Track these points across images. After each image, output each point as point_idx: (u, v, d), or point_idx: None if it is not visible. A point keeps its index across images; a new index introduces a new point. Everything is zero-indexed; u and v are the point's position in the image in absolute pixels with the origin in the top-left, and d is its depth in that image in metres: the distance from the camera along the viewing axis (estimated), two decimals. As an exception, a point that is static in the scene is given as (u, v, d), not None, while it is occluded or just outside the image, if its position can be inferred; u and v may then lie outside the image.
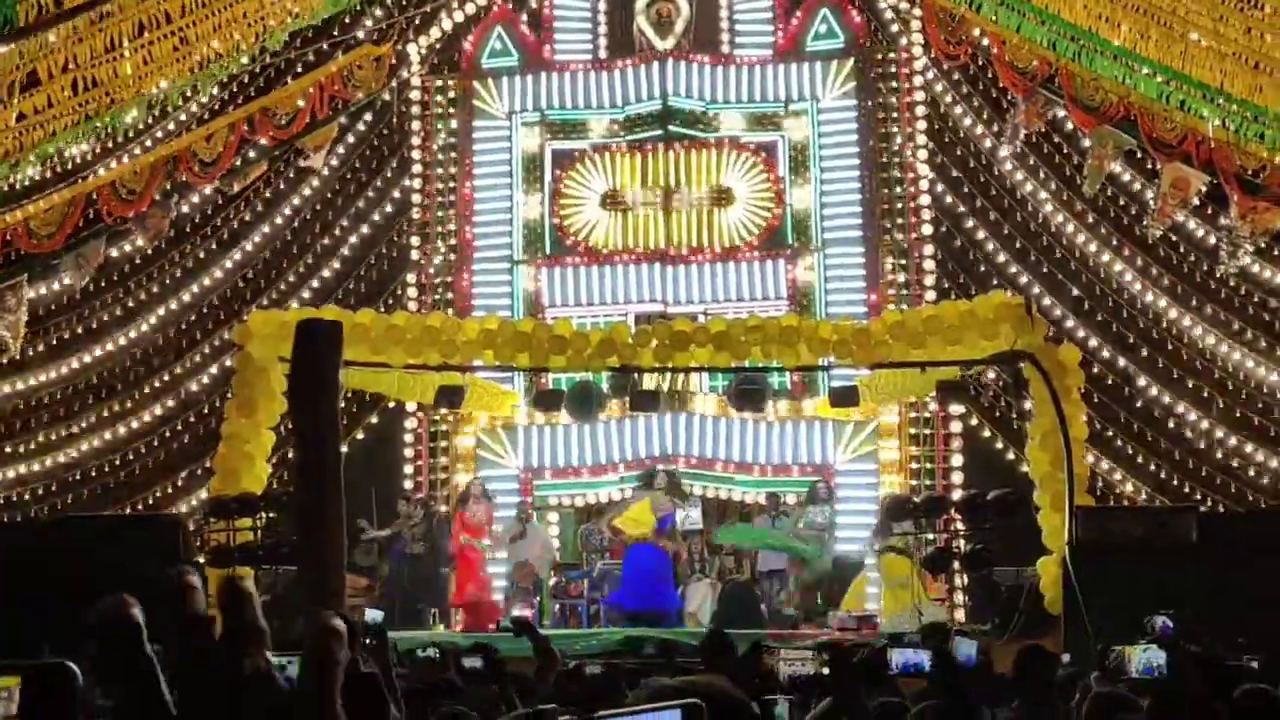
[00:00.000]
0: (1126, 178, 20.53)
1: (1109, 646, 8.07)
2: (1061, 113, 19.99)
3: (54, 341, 21.51)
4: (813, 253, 20.45)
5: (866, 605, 17.11)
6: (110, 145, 20.33)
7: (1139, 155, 19.83)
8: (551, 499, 19.59)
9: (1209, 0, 16.75)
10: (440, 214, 21.39)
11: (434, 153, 21.59)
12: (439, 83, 21.73)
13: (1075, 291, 20.56)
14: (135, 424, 21.22)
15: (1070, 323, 20.18)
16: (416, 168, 21.61)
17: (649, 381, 17.22)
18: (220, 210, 21.79)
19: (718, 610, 16.54)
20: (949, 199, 21.12)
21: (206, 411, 20.79)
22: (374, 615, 10.95)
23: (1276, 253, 20.10)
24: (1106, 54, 17.98)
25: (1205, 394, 20.02)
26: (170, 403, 21.24)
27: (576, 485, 19.49)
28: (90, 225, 20.36)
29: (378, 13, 21.70)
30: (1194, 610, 11.11)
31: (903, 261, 20.53)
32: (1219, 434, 19.79)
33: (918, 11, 21.16)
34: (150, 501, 20.71)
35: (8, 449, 21.35)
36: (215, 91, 20.60)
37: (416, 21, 22.02)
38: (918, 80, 21.12)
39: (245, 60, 19.62)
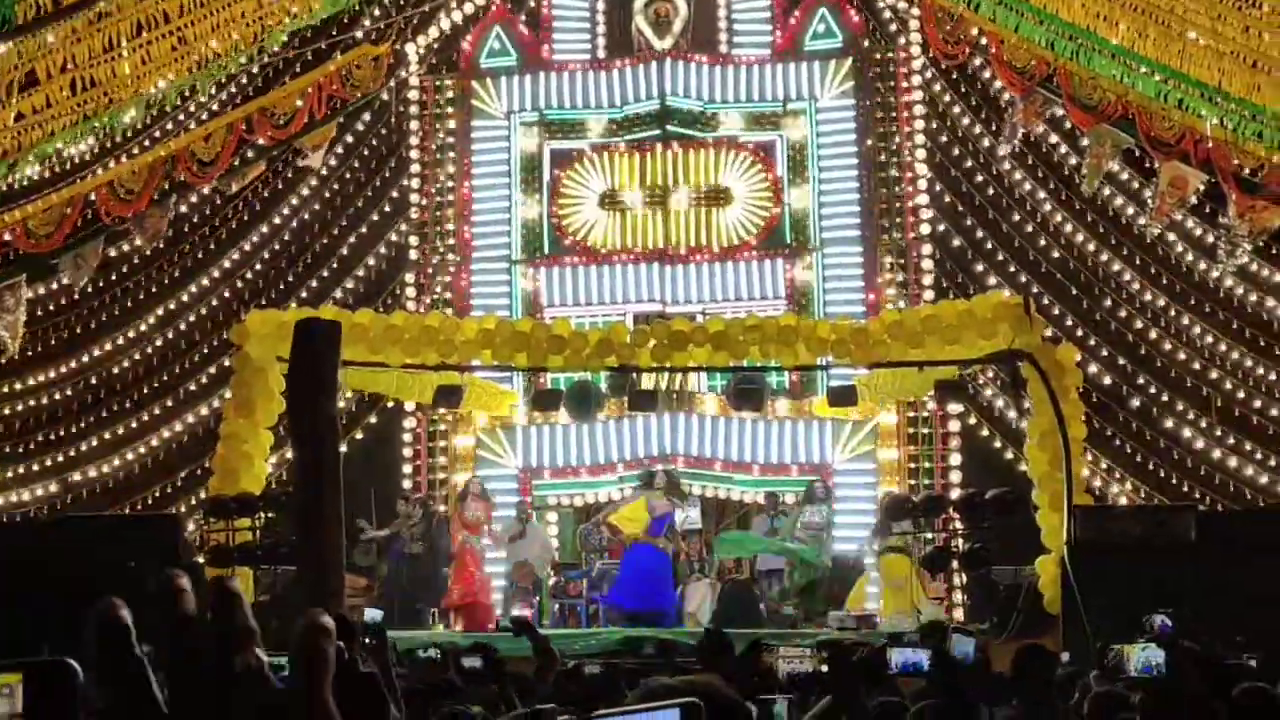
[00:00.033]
0: (1125, 176, 20.54)
1: (1108, 645, 8.07)
2: (1060, 112, 19.98)
3: (53, 341, 21.52)
4: (811, 252, 20.45)
5: (866, 605, 17.11)
6: (109, 145, 20.32)
7: (1137, 154, 19.83)
8: (550, 499, 19.59)
9: (1207, -1, 16.78)
10: (438, 214, 21.39)
11: (432, 152, 21.59)
12: (437, 83, 21.73)
13: (1074, 291, 20.57)
14: (134, 424, 21.22)
15: (1069, 321, 20.18)
16: (415, 167, 21.61)
17: (647, 381, 17.23)
18: (219, 210, 21.80)
19: (717, 610, 16.53)
20: (947, 198, 21.13)
21: (205, 412, 20.79)
22: (373, 615, 10.95)
23: (1275, 251, 20.11)
24: (1104, 53, 17.97)
25: (1205, 393, 20.04)
26: (169, 403, 21.25)
27: (575, 485, 19.49)
28: (89, 225, 20.36)
29: (376, 12, 21.70)
30: (1192, 609, 11.13)
31: (901, 261, 20.53)
32: (1218, 433, 19.81)
33: (916, 11, 21.16)
34: (149, 501, 20.71)
35: (7, 449, 21.35)
36: (214, 91, 20.59)
37: (415, 21, 22.02)
38: (916, 80, 21.13)
39: (243, 60, 19.60)
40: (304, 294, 21.02)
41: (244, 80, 21.34)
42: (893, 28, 21.57)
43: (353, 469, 15.83)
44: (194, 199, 21.44)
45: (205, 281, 21.69)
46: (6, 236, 19.98)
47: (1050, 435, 14.86)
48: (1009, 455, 19.49)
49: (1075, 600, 13.62)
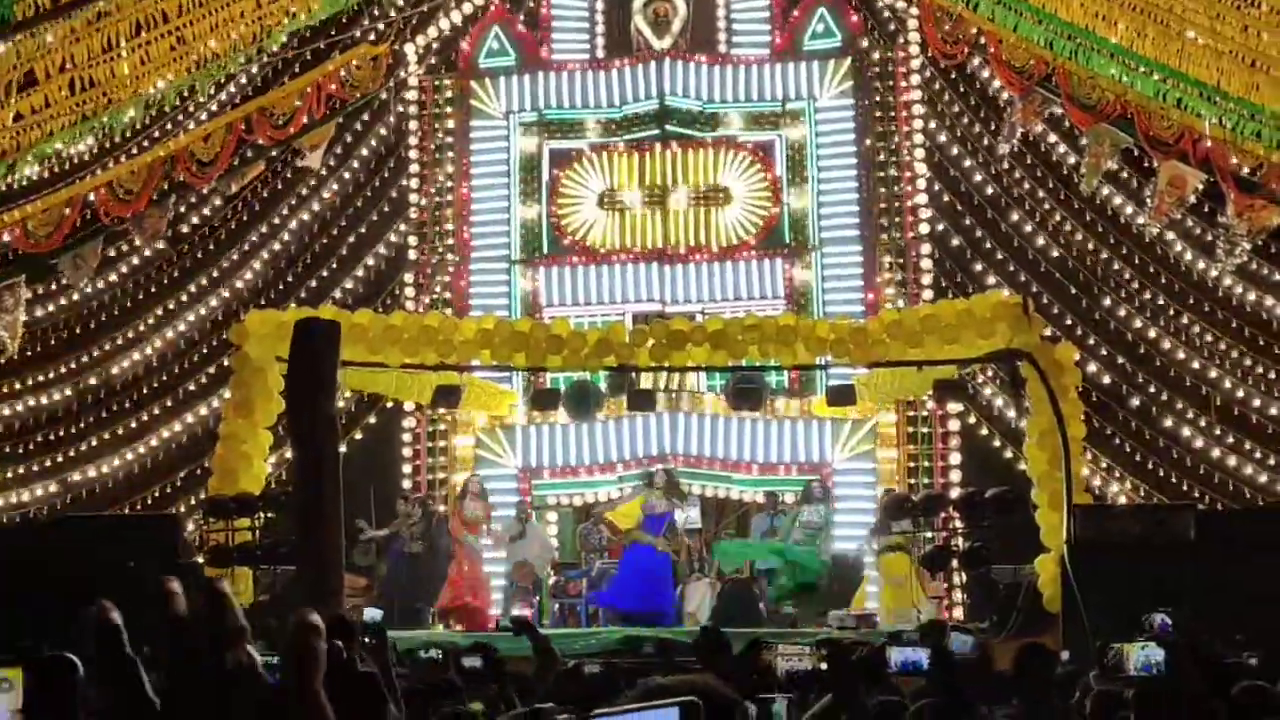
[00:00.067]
0: (1124, 175, 20.55)
1: (1107, 644, 8.08)
2: (1059, 111, 19.99)
3: (52, 342, 21.52)
4: (810, 252, 20.46)
5: (865, 604, 17.12)
6: (108, 145, 20.32)
7: (1136, 153, 19.84)
8: (550, 498, 19.58)
9: (1206, -2, 16.79)
10: (437, 214, 21.39)
11: (431, 153, 21.59)
12: (436, 83, 21.73)
13: (1073, 290, 20.57)
14: (134, 424, 21.22)
15: (1069, 321, 20.19)
16: (414, 167, 21.61)
17: (646, 381, 17.22)
18: (218, 211, 21.79)
19: (717, 609, 16.53)
20: (946, 198, 21.13)
21: (205, 412, 20.79)
22: (372, 614, 10.98)
23: (1274, 250, 20.12)
24: (1103, 52, 17.99)
25: (1204, 391, 20.05)
26: (169, 403, 21.25)
27: (575, 485, 19.48)
28: (88, 226, 20.36)
29: (375, 12, 21.70)
30: (1192, 608, 11.13)
31: (900, 260, 20.53)
32: (1217, 432, 19.82)
33: (915, 10, 21.16)
34: (149, 501, 20.71)
35: (6, 449, 21.36)
36: (212, 92, 20.58)
37: (414, 21, 22.02)
38: (915, 80, 21.13)
39: (243, 60, 19.61)
40: (303, 294, 21.01)
41: (243, 80, 21.34)
42: (891, 27, 21.57)
43: (352, 469, 15.82)
44: (193, 199, 21.43)
45: (204, 281, 21.69)
46: (5, 237, 19.99)
47: (1049, 434, 14.86)
48: (1008, 454, 19.50)
49: (1075, 599, 13.62)
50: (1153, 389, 20.07)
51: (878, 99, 21.03)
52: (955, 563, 16.39)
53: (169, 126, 20.85)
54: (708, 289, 20.14)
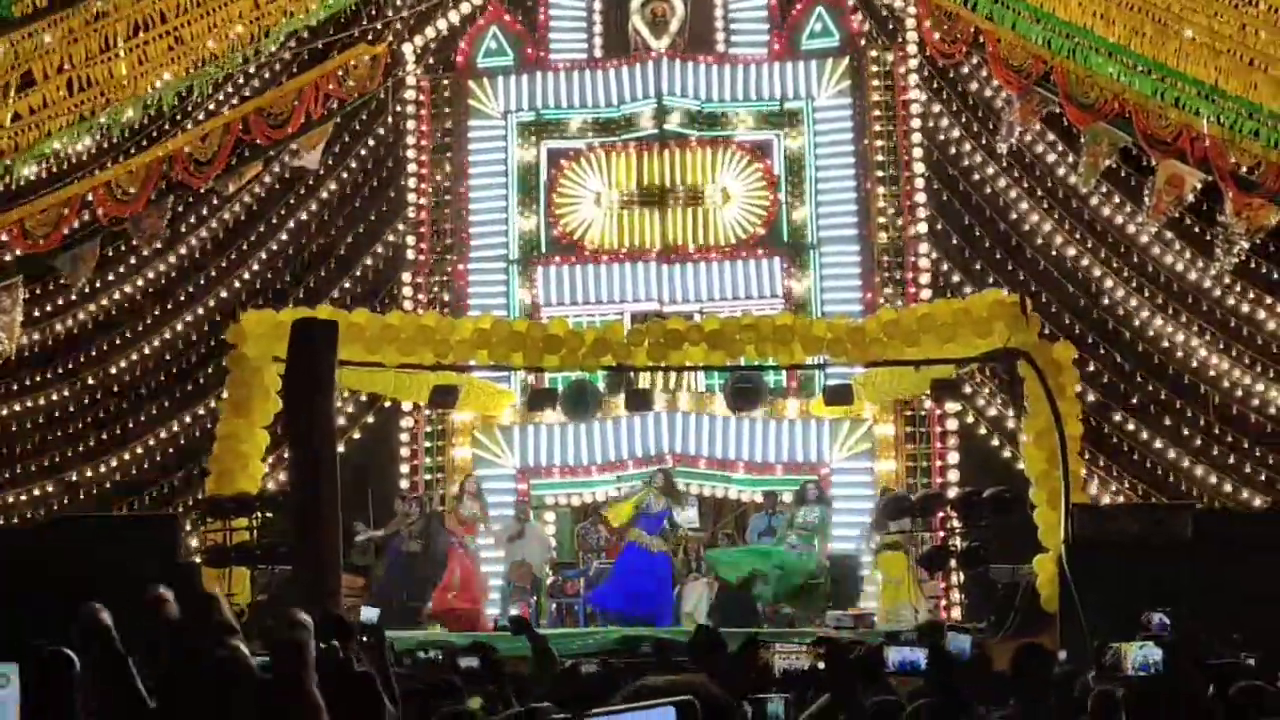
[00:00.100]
0: (1122, 174, 20.56)
1: (1105, 644, 8.08)
2: (1057, 110, 20.00)
3: (49, 342, 21.51)
4: (808, 251, 20.45)
5: (861, 603, 17.12)
6: (105, 146, 20.32)
7: (1134, 152, 19.84)
8: (548, 498, 19.58)
9: (1203, -3, 16.80)
10: (436, 213, 21.38)
11: (429, 152, 21.58)
12: (434, 82, 21.72)
13: (1071, 289, 20.58)
14: (132, 423, 21.22)
15: (1068, 319, 20.19)
16: (412, 167, 21.60)
17: (644, 380, 17.20)
18: (215, 210, 21.78)
19: (714, 609, 16.52)
20: (944, 197, 21.13)
21: (203, 412, 20.79)
22: (369, 614, 10.95)
23: (1272, 249, 20.14)
24: (1101, 51, 17.99)
25: (1202, 391, 20.06)
26: (166, 403, 21.25)
27: (573, 484, 19.48)
28: (86, 226, 20.36)
29: (373, 12, 21.70)
30: (1190, 607, 11.13)
31: (898, 259, 20.52)
32: (1215, 430, 19.84)
33: (913, 10, 21.17)
34: (147, 501, 20.71)
35: (4, 450, 21.36)
36: (210, 91, 20.57)
37: (412, 21, 22.01)
38: (913, 79, 21.12)
39: (240, 60, 19.60)
40: (301, 294, 21.00)
41: (241, 80, 21.33)
42: (890, 27, 21.57)
43: (350, 469, 15.84)
44: (191, 199, 21.43)
45: (202, 281, 21.68)
46: (3, 237, 19.97)
47: (1047, 434, 14.85)
48: (1006, 454, 19.50)
49: (1072, 599, 13.62)
50: (1150, 388, 20.08)
51: (876, 98, 21.02)
52: (953, 562, 16.39)
53: (167, 126, 20.84)
54: (705, 288, 20.13)
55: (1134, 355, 20.27)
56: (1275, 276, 20.34)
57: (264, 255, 21.73)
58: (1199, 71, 17.16)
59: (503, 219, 21.05)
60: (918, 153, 20.87)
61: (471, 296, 20.70)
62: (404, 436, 20.57)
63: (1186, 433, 19.87)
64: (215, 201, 21.60)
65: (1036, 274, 20.56)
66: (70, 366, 21.47)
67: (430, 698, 7.00)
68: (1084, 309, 20.48)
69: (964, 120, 21.39)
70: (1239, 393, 20.04)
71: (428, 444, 20.47)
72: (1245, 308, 20.26)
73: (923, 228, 20.62)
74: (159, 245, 21.19)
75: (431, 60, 22.04)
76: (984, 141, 21.12)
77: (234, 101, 21.33)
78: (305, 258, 21.73)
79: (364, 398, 20.29)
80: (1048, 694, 7.07)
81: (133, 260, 21.58)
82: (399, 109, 21.83)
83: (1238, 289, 20.26)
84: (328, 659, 4.13)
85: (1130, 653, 7.51)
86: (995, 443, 20.04)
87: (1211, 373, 20.09)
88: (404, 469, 20.38)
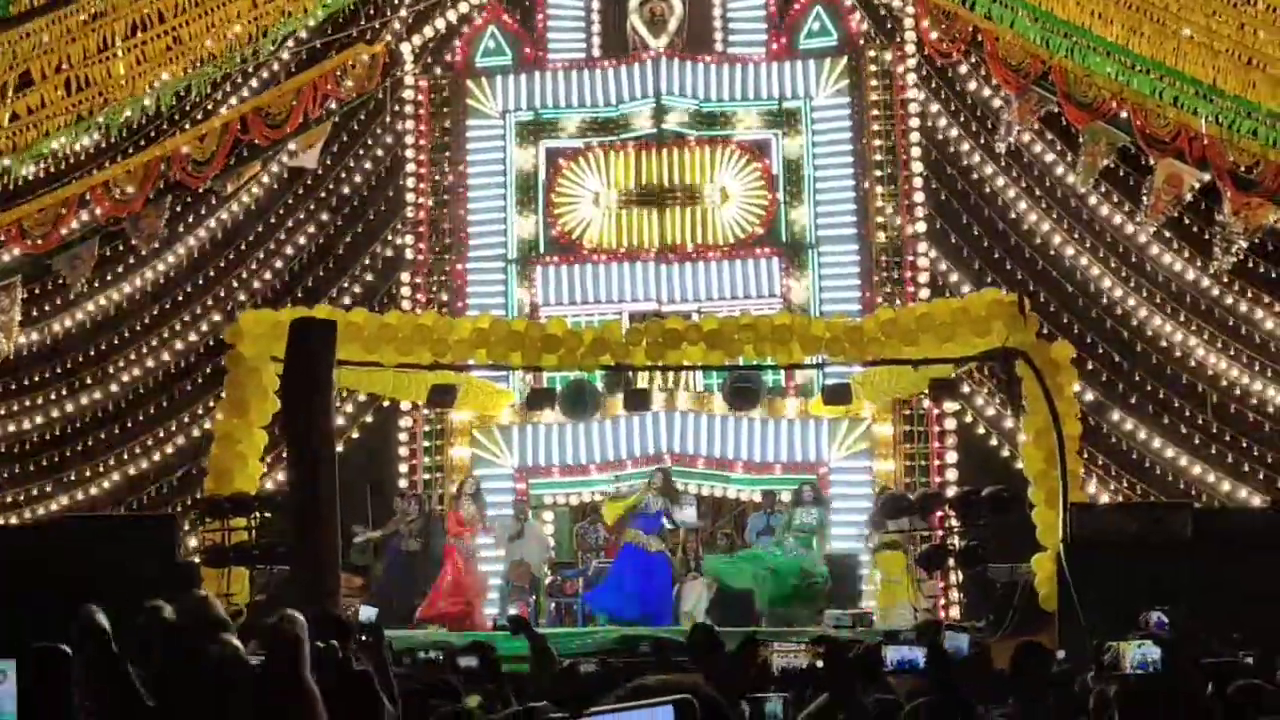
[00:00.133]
0: (1120, 173, 20.57)
1: (1104, 642, 8.08)
2: (1055, 109, 20.00)
3: (48, 341, 21.50)
4: (806, 250, 20.46)
5: (860, 602, 17.11)
6: (104, 146, 20.31)
7: (1132, 151, 19.85)
8: (547, 498, 19.57)
9: (1201, -4, 16.80)
10: (434, 213, 21.37)
11: (428, 152, 21.57)
12: (433, 82, 21.71)
13: (1069, 288, 20.59)
14: (130, 423, 21.21)
15: (1066, 319, 20.20)
16: (410, 167, 21.59)
17: (643, 380, 17.19)
18: (214, 210, 21.77)
19: (712, 607, 16.51)
20: (942, 196, 21.13)
21: (201, 412, 20.78)
22: (368, 613, 10.95)
23: (1271, 248, 20.15)
24: (1099, 50, 18.00)
25: (1200, 389, 20.07)
26: (165, 403, 21.24)
27: (572, 484, 19.47)
28: (84, 226, 20.35)
29: (371, 12, 21.70)
30: (1189, 606, 11.14)
31: (896, 259, 20.52)
32: (1213, 429, 19.84)
33: (911, 9, 21.17)
34: (145, 500, 20.70)
35: (3, 449, 21.35)
36: (208, 91, 20.56)
37: (410, 21, 22.01)
38: (911, 78, 21.11)
39: (238, 60, 19.59)
40: (299, 294, 20.98)
41: (239, 80, 21.32)
42: (888, 26, 21.57)
43: (349, 468, 15.83)
44: (189, 199, 21.42)
45: (200, 281, 21.67)
46: (1, 237, 19.97)
47: (1045, 433, 14.85)
48: (1005, 453, 19.51)
49: (1071, 597, 13.62)
50: (1149, 387, 20.08)
51: (874, 98, 21.02)
52: (951, 561, 16.38)
53: (165, 126, 20.83)
54: (704, 288, 20.13)
55: (1132, 354, 20.27)
56: (1273, 275, 20.34)
57: (262, 255, 21.71)
58: (1197, 70, 17.17)
59: (501, 219, 21.05)
60: (916, 152, 20.87)
61: (470, 296, 20.70)
62: (403, 436, 20.56)
63: (1185, 432, 19.87)
64: (214, 201, 21.58)
65: (1035, 273, 20.56)
66: (69, 366, 21.45)
67: (429, 697, 7.00)
68: (1082, 308, 20.48)
69: (962, 120, 21.38)
70: (1237, 391, 20.04)
71: (426, 444, 20.46)
72: (1243, 307, 20.27)
73: (921, 227, 20.62)
74: (157, 245, 21.16)
75: (430, 60, 22.03)
76: (982, 141, 21.11)
77: (232, 101, 21.31)
78: (304, 258, 21.71)
79: (363, 397, 20.28)
80: (1046, 693, 7.08)
81: (131, 260, 21.55)
82: (397, 109, 21.82)
83: (1236, 288, 20.27)
84: (326, 658, 4.14)
85: (1129, 651, 7.50)
86: (994, 442, 20.04)
87: (1210, 372, 20.09)
88: (403, 469, 20.37)
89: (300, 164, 21.17)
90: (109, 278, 21.55)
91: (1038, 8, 18.09)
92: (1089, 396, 19.34)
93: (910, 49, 21.16)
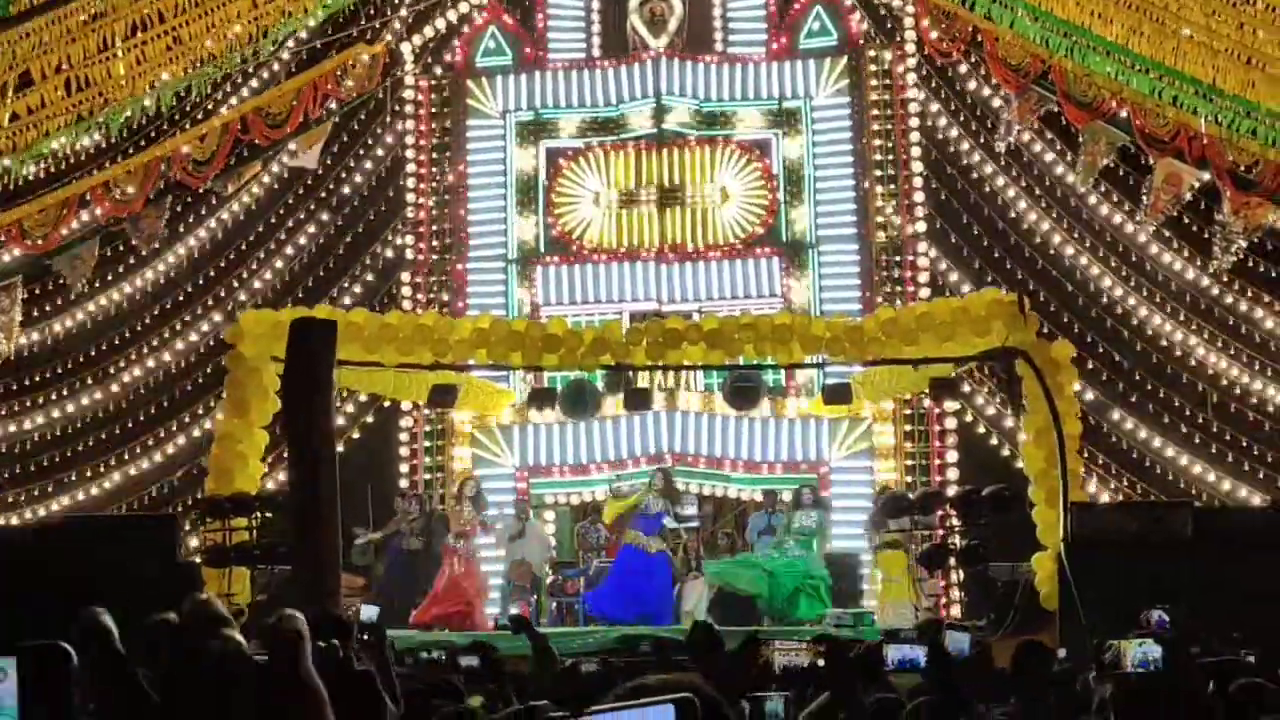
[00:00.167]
0: (1120, 173, 20.57)
1: (1104, 641, 8.08)
2: (1054, 109, 20.00)
3: (48, 341, 21.50)
4: (807, 250, 20.46)
5: (861, 602, 17.11)
6: (104, 146, 20.31)
7: (1132, 150, 19.85)
8: (548, 497, 19.57)
9: (1201, -4, 16.81)
10: (434, 213, 21.37)
11: (428, 152, 21.57)
12: (433, 82, 21.72)
13: (1069, 288, 20.59)
14: (131, 424, 21.21)
15: (1066, 318, 20.20)
16: (410, 167, 21.59)
17: (643, 379, 17.18)
18: (214, 210, 21.77)
19: (713, 606, 16.50)
20: (942, 196, 21.14)
21: (201, 412, 20.78)
22: (369, 613, 10.96)
23: (1270, 247, 20.15)
24: (1099, 50, 18.00)
25: (1200, 388, 20.08)
26: (165, 403, 21.24)
27: (573, 484, 19.47)
28: (84, 226, 20.34)
29: (371, 12, 21.70)
30: (1189, 605, 11.13)
31: (896, 258, 20.52)
32: (1214, 428, 19.85)
33: (911, 9, 21.17)
34: (145, 501, 20.70)
35: (4, 449, 21.35)
36: (209, 91, 20.56)
37: (410, 20, 22.01)
38: (911, 78, 21.12)
39: (239, 60, 19.59)
40: (300, 294, 20.98)
41: (239, 80, 21.32)
42: (888, 26, 21.58)
43: (350, 469, 15.82)
44: (189, 199, 21.42)
45: (201, 281, 21.67)
46: (1, 237, 19.96)
47: (1046, 432, 14.86)
48: (1005, 452, 19.51)
49: (1072, 596, 13.63)
50: (1149, 386, 20.08)
51: (874, 98, 21.02)
52: (952, 560, 16.39)
53: (165, 126, 20.83)
54: (704, 288, 20.14)
55: (1132, 353, 20.28)
56: (1273, 275, 20.34)
57: (262, 255, 21.71)
58: (1197, 70, 17.17)
59: (501, 219, 21.05)
60: (916, 152, 20.88)
61: (470, 296, 20.70)
62: (403, 436, 20.56)
63: (1185, 431, 19.87)
64: (214, 201, 21.58)
65: (1035, 273, 20.56)
66: (69, 367, 21.44)
67: (432, 697, 7.01)
68: (1082, 307, 20.49)
69: (962, 119, 21.39)
70: (1237, 391, 20.05)
71: (427, 443, 20.47)
72: (1243, 306, 20.28)
73: (921, 226, 20.63)
74: (157, 245, 21.16)
75: (430, 60, 22.04)
76: (982, 140, 21.12)
77: (232, 101, 21.31)
78: (304, 258, 21.71)
79: (363, 397, 20.28)
80: (1047, 691, 7.08)
81: (131, 260, 21.55)
82: (397, 109, 21.82)
83: (1236, 287, 20.28)
84: (327, 658, 4.14)
85: (1129, 650, 7.50)
86: (994, 441, 20.05)
87: (1210, 371, 20.10)
88: (403, 469, 20.37)
89: (300, 164, 21.18)
90: (109, 278, 21.54)
91: (1037, 7, 18.09)
92: (1089, 396, 19.35)
93: (910, 49, 21.17)
